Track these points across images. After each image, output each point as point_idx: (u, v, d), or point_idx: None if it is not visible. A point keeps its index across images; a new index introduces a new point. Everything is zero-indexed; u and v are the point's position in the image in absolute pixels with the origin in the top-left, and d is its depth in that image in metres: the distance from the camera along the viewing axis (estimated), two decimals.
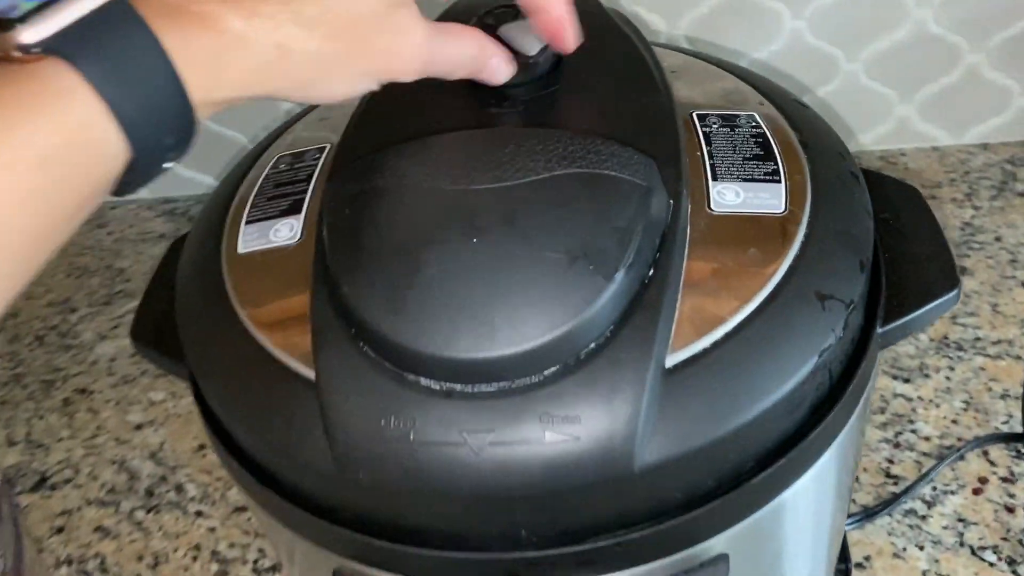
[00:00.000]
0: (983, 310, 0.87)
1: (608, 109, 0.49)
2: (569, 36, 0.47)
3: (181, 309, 0.50)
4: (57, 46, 0.34)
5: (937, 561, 0.71)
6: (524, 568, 0.41)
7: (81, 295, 1.03)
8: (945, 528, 0.73)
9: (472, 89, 0.49)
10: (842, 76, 0.98)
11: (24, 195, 0.32)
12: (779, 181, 0.47)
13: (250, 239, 0.49)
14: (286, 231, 0.49)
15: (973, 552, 0.71)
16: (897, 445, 0.78)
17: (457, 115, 0.49)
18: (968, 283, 0.89)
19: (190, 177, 1.10)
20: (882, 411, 0.80)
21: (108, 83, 0.34)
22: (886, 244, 0.51)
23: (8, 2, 0.39)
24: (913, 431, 0.79)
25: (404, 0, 0.41)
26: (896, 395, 0.81)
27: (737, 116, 0.51)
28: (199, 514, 0.81)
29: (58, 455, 0.88)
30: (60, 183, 0.33)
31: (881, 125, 1.01)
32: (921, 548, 0.72)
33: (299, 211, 0.49)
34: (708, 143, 0.49)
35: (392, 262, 0.42)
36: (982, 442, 0.78)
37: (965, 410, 0.80)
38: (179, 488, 0.84)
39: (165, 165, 0.37)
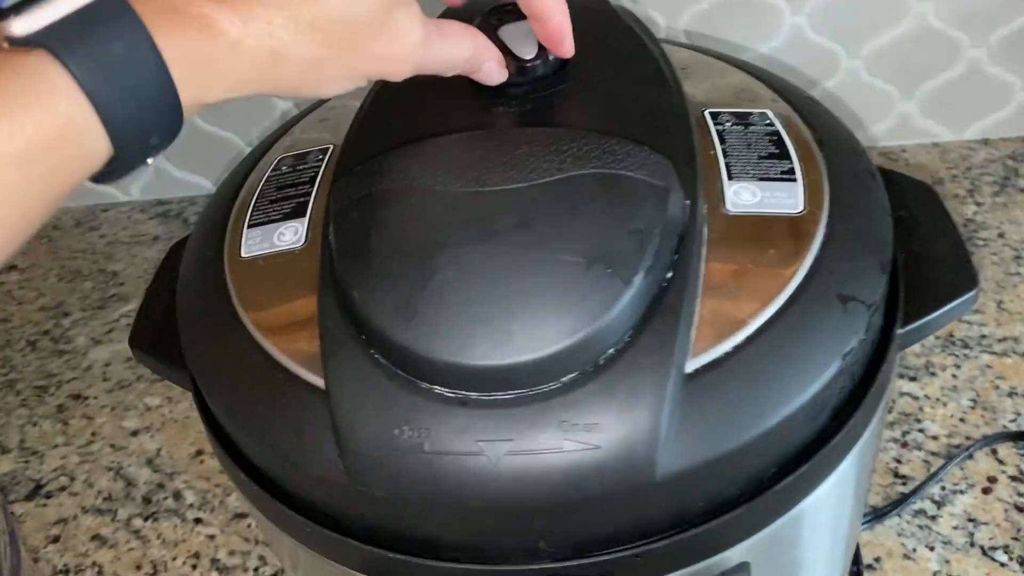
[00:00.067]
0: (988, 307, 0.86)
1: (619, 108, 0.48)
2: (567, 44, 0.48)
3: (183, 315, 0.48)
4: (47, 40, 0.33)
5: (948, 562, 0.70)
6: None
7: (74, 299, 1.01)
8: (955, 528, 0.72)
9: (477, 88, 0.48)
10: (843, 72, 0.97)
11: (4, 192, 0.31)
12: (795, 180, 0.46)
13: (253, 243, 0.48)
14: (290, 235, 0.47)
15: (984, 552, 0.70)
16: (905, 444, 0.77)
17: (463, 115, 0.48)
18: None
19: (183, 179, 1.08)
20: (889, 410, 0.80)
21: (96, 81, 0.33)
22: (901, 243, 0.50)
23: None
24: (921, 430, 0.78)
25: (404, 0, 0.41)
26: (903, 394, 0.81)
27: (750, 114, 0.50)
28: (198, 521, 0.80)
29: (53, 462, 0.86)
30: (37, 180, 0.32)
31: (882, 121, 1.00)
32: (931, 549, 0.71)
33: (303, 214, 0.48)
34: (722, 142, 0.48)
35: (404, 267, 0.40)
36: (990, 440, 0.77)
37: (972, 408, 0.79)
38: (177, 495, 0.82)
39: (148, 161, 0.36)
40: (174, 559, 0.77)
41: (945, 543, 0.71)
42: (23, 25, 0.33)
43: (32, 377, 0.94)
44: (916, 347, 0.84)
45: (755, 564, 0.43)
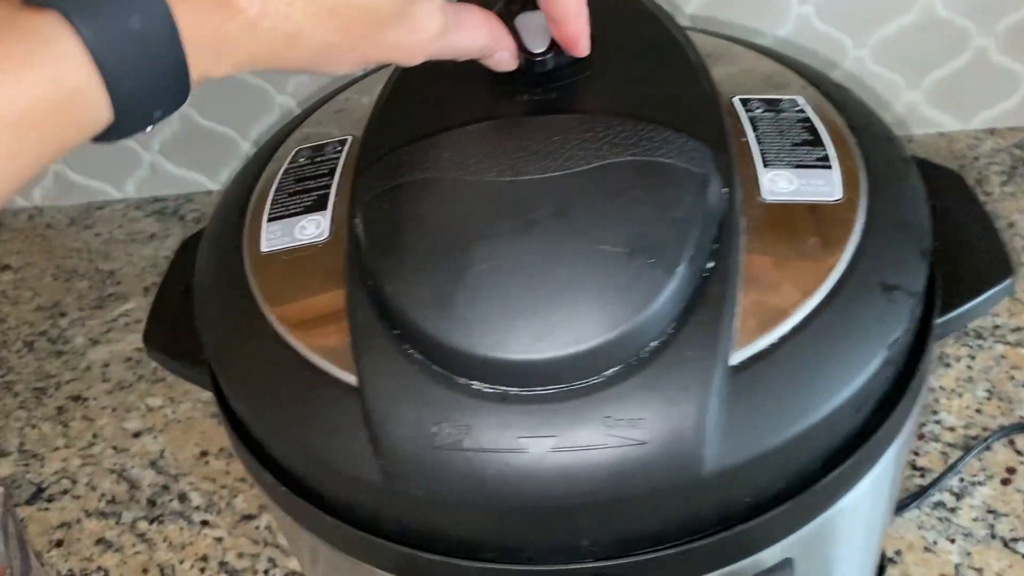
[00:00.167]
0: None
1: (647, 95, 0.47)
2: (581, 47, 0.47)
3: (201, 312, 0.47)
4: (62, 2, 0.32)
5: (969, 554, 0.69)
6: None
7: (70, 299, 0.99)
8: (975, 520, 0.71)
9: (500, 76, 0.47)
10: (849, 62, 0.96)
11: None
12: (830, 167, 0.45)
13: (274, 237, 0.46)
14: (312, 228, 0.46)
15: (1005, 544, 0.69)
16: (921, 436, 0.77)
17: (487, 103, 0.47)
18: None
19: (180, 175, 1.06)
20: None
21: (107, 51, 0.32)
22: (935, 232, 0.49)
23: None
24: (937, 421, 0.77)
25: None
26: None
27: (780, 100, 0.49)
28: (205, 524, 0.78)
29: (54, 465, 0.84)
30: (32, 144, 0.32)
31: (888, 111, 0.99)
32: (952, 541, 0.70)
33: (324, 207, 0.47)
34: (754, 128, 0.47)
35: (438, 259, 0.39)
36: (1008, 431, 0.76)
37: (988, 399, 0.78)
38: (182, 497, 0.81)
39: (146, 129, 0.36)
40: (181, 562, 0.76)
41: (966, 535, 0.70)
42: None
43: (30, 378, 0.92)
44: None
45: (797, 560, 0.42)
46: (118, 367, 0.92)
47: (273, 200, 0.48)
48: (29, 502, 0.81)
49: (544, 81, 0.48)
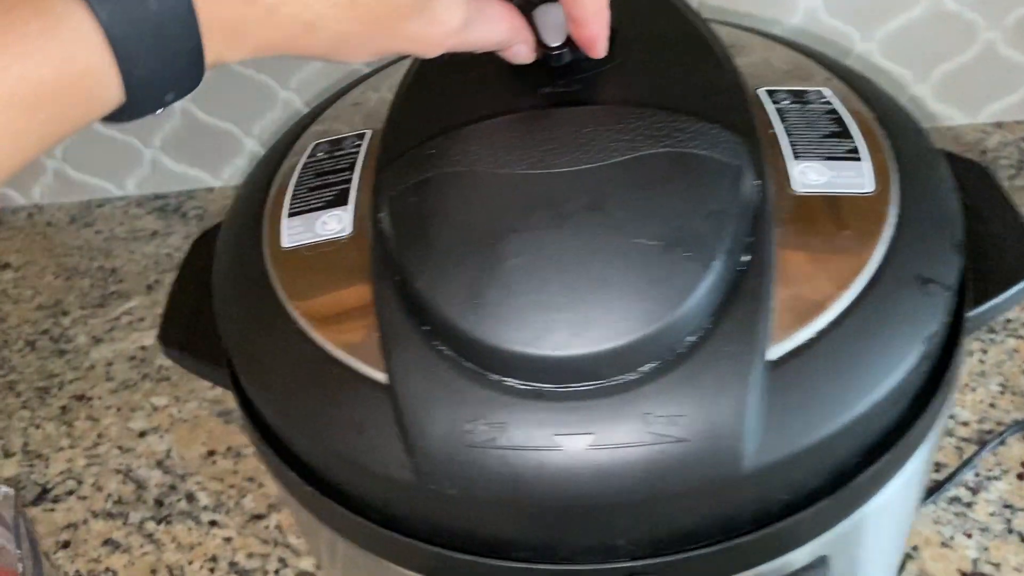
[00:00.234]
0: None
1: (672, 86, 0.46)
2: (598, 49, 0.46)
3: (222, 310, 0.46)
4: None
5: (986, 549, 0.69)
6: None
7: (72, 297, 0.98)
8: (992, 515, 0.71)
9: (522, 68, 0.47)
10: (856, 56, 0.96)
11: (3, 136, 0.31)
12: (860, 159, 0.44)
13: (295, 233, 0.46)
14: (334, 223, 0.45)
15: (1022, 539, 0.69)
16: None
17: (511, 96, 0.47)
18: None
19: (181, 172, 1.05)
20: None
21: (123, 33, 0.32)
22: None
23: None
24: (951, 416, 0.77)
25: None
26: None
27: (806, 92, 0.48)
28: (213, 524, 0.77)
29: (59, 466, 0.83)
30: (41, 124, 0.31)
31: None
32: (969, 536, 0.70)
33: (345, 202, 0.46)
34: (782, 120, 0.46)
35: (469, 253, 0.38)
36: (1022, 426, 0.76)
37: (1002, 393, 0.78)
38: (190, 497, 0.80)
39: (157, 112, 0.35)
40: (190, 563, 0.75)
41: (983, 530, 0.70)
42: None
43: (33, 378, 0.91)
44: None
45: (832, 557, 0.41)
46: (122, 366, 0.91)
47: (292, 195, 0.48)
48: (34, 503, 0.80)
49: (566, 73, 0.47)
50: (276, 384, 0.42)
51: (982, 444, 0.75)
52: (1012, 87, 0.98)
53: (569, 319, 0.36)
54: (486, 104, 0.46)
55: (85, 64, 0.32)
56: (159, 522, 0.78)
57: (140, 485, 0.81)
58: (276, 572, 0.73)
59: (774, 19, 0.93)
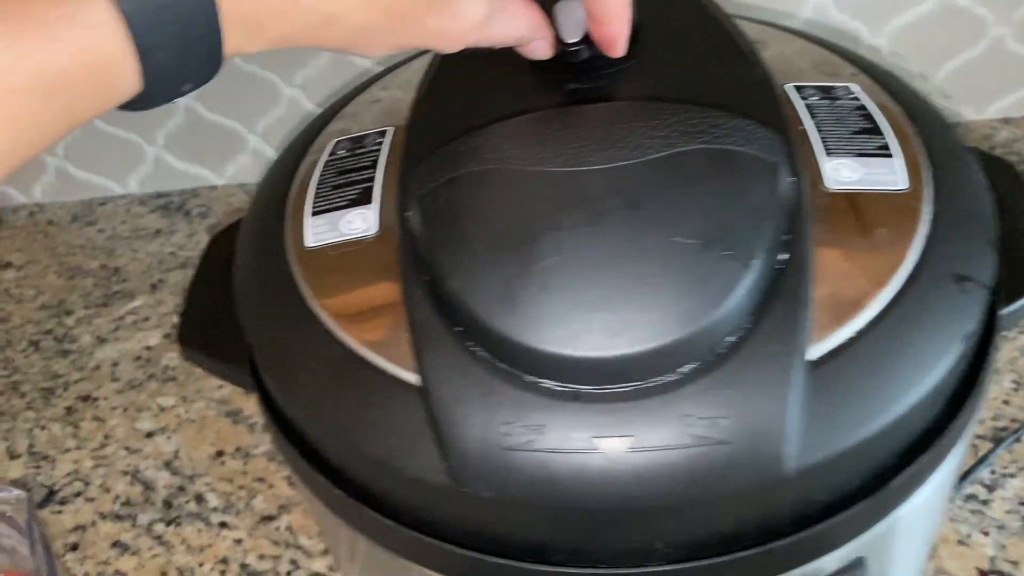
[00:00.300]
0: None
1: (700, 82, 0.46)
2: (617, 49, 0.45)
3: (246, 311, 0.45)
4: None
5: (1004, 547, 0.69)
6: None
7: (75, 297, 0.97)
8: (1008, 512, 0.70)
9: (544, 63, 0.46)
10: (864, 51, 0.95)
11: (19, 124, 0.30)
12: (892, 156, 0.44)
13: (319, 232, 0.45)
14: (359, 222, 0.44)
15: None
16: None
17: (534, 91, 0.46)
18: None
19: (184, 170, 1.04)
20: None
21: (144, 22, 0.31)
22: None
23: None
24: None
25: None
26: None
27: (834, 88, 0.48)
28: (223, 525, 0.77)
29: (65, 467, 0.82)
30: (58, 112, 0.31)
31: None
32: (986, 534, 0.69)
33: (369, 200, 0.45)
34: (812, 116, 0.45)
35: (503, 252, 0.38)
36: None
37: (1016, 390, 0.78)
38: (199, 498, 0.79)
39: (172, 100, 0.35)
40: (201, 565, 0.74)
41: (999, 527, 0.70)
42: None
43: (37, 378, 0.90)
44: None
45: (868, 558, 0.41)
46: (127, 366, 0.90)
47: (315, 194, 0.47)
48: (41, 505, 0.79)
49: (590, 69, 0.46)
50: (304, 386, 0.41)
51: (997, 442, 0.74)
52: (1020, 83, 0.98)
53: (607, 319, 0.36)
54: (511, 101, 0.45)
55: (104, 52, 0.31)
56: (168, 524, 0.77)
57: (148, 486, 0.80)
58: (288, 574, 0.73)
59: (785, 12, 0.93)
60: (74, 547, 0.76)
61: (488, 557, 0.38)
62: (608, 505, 0.36)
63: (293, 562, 0.73)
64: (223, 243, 0.54)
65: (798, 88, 0.47)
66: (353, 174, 0.47)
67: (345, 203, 0.46)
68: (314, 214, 0.46)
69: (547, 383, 0.36)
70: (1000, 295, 0.44)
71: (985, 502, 0.71)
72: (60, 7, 0.31)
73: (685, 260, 0.36)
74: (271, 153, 1.01)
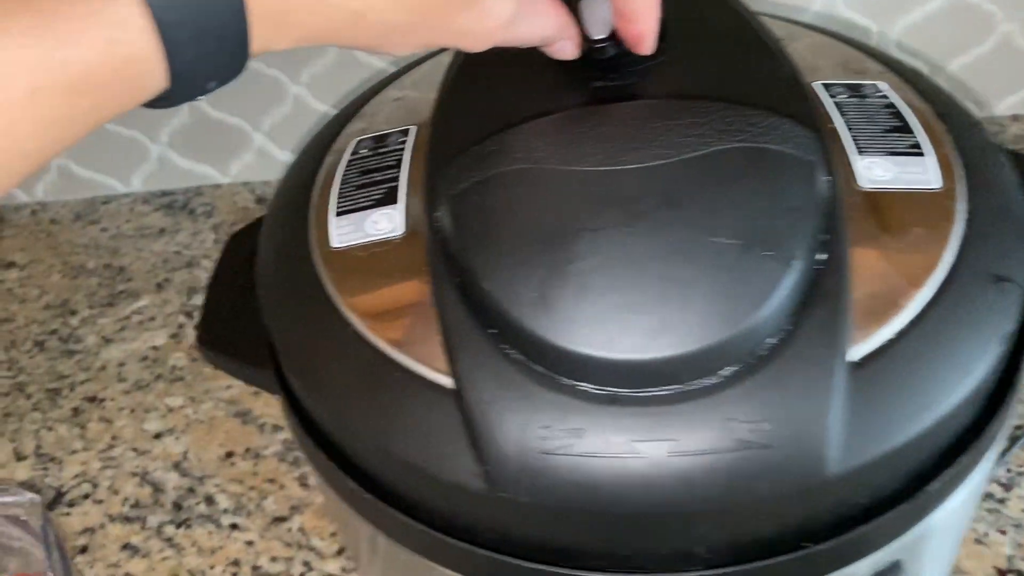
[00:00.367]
0: None
1: (729, 80, 0.45)
2: (645, 47, 0.45)
3: (271, 312, 0.45)
4: None
5: (1021, 545, 0.68)
6: None
7: (80, 296, 0.96)
8: None
9: (569, 61, 0.45)
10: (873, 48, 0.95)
11: (44, 122, 0.30)
12: (924, 155, 0.44)
13: (344, 233, 0.44)
14: (385, 223, 0.44)
15: None
16: None
17: (561, 89, 0.45)
18: None
19: (188, 168, 1.03)
20: None
21: (172, 20, 0.31)
22: None
23: None
24: None
25: None
26: None
27: (862, 86, 0.47)
28: (234, 527, 0.76)
29: (73, 469, 0.82)
30: (83, 111, 0.31)
31: None
32: (1003, 533, 0.69)
33: (395, 200, 0.45)
34: (842, 114, 0.45)
35: (539, 254, 0.37)
36: None
37: None
38: (209, 500, 0.78)
39: (197, 99, 0.35)
40: (212, 567, 0.74)
41: (1016, 526, 0.69)
42: None
43: (43, 379, 0.89)
44: None
45: (905, 561, 0.41)
46: (134, 366, 0.89)
47: (339, 193, 0.46)
48: (50, 507, 0.79)
49: (616, 67, 0.46)
50: (333, 389, 0.41)
51: (1013, 440, 0.74)
52: None
53: (646, 321, 0.35)
54: (537, 99, 0.45)
55: (131, 49, 0.31)
56: (178, 526, 0.77)
57: (157, 488, 0.79)
58: None
59: (794, 7, 0.92)
60: (83, 550, 0.75)
61: (523, 562, 0.38)
62: (648, 510, 0.35)
63: (306, 564, 0.73)
64: (240, 244, 0.53)
65: (826, 86, 0.47)
66: (376, 174, 0.46)
67: (370, 203, 0.45)
68: (338, 214, 0.45)
69: (585, 386, 0.36)
70: None
71: (1002, 501, 0.71)
72: (87, 3, 0.30)
73: (725, 261, 0.36)
74: (276, 152, 1.01)
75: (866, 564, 0.39)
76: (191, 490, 0.79)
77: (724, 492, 0.35)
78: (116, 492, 0.79)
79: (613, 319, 0.36)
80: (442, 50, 0.56)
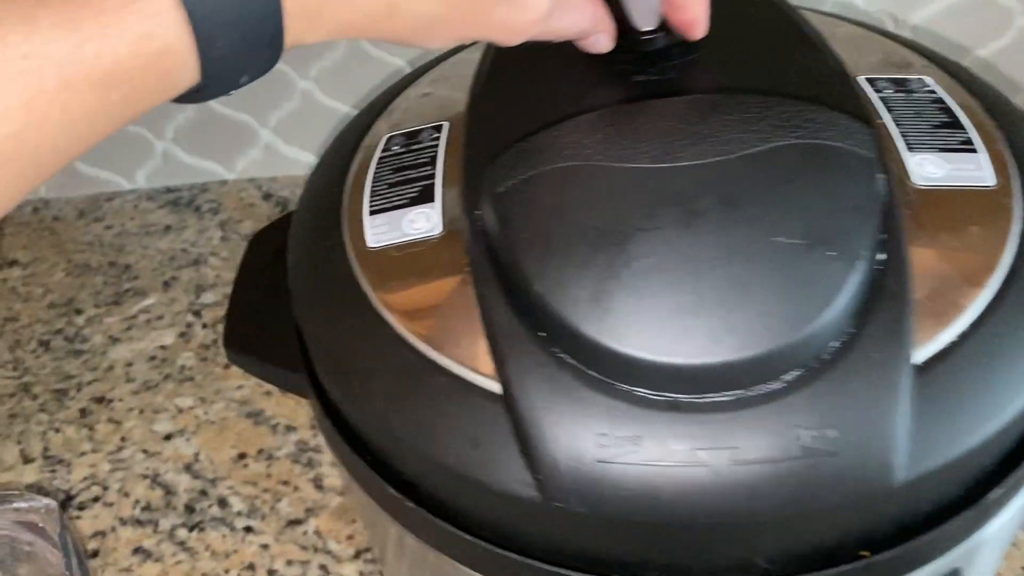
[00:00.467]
0: None
1: (775, 74, 0.44)
2: (697, 32, 0.44)
3: (305, 314, 0.43)
4: None
5: None
6: None
7: (85, 295, 0.95)
8: None
9: (607, 55, 0.44)
10: None
11: (74, 117, 0.29)
12: (976, 151, 0.42)
13: (379, 232, 0.43)
14: (422, 222, 0.43)
15: None
16: None
17: (604, 84, 0.44)
18: None
19: (194, 164, 1.02)
20: None
21: (201, 6, 0.30)
22: None
23: None
24: None
25: None
26: None
27: (909, 80, 0.46)
28: (248, 530, 0.75)
29: (82, 471, 0.80)
30: (114, 105, 0.30)
31: None
32: None
33: (432, 199, 0.43)
34: (889, 110, 0.44)
35: (593, 254, 0.36)
36: None
37: None
38: (222, 502, 0.77)
39: (229, 93, 0.34)
40: (227, 571, 0.72)
41: None
42: None
43: (49, 380, 0.87)
44: None
45: (963, 569, 0.39)
46: (142, 366, 0.88)
47: (372, 191, 0.45)
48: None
49: (655, 60, 0.45)
50: (374, 393, 0.39)
51: None
52: None
53: (707, 324, 0.34)
54: (579, 94, 0.43)
55: (163, 43, 0.30)
56: (191, 529, 0.75)
57: (169, 490, 0.78)
58: None
59: (809, 5, 0.91)
60: (94, 554, 0.74)
61: (575, 574, 0.37)
62: (709, 521, 0.34)
63: (323, 567, 0.71)
64: (264, 243, 0.52)
65: (870, 80, 0.46)
66: (411, 171, 0.45)
67: (405, 201, 0.44)
68: (372, 213, 0.44)
69: (642, 392, 0.35)
70: None
71: None
72: None
73: (788, 261, 0.35)
74: (283, 147, 0.99)
75: (925, 573, 0.38)
76: (203, 492, 0.78)
77: (788, 502, 0.34)
78: (127, 495, 0.78)
79: (672, 322, 0.34)
80: (465, 46, 0.54)
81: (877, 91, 0.45)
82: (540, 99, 0.44)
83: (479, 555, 0.38)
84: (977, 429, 0.35)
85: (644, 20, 0.44)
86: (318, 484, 0.76)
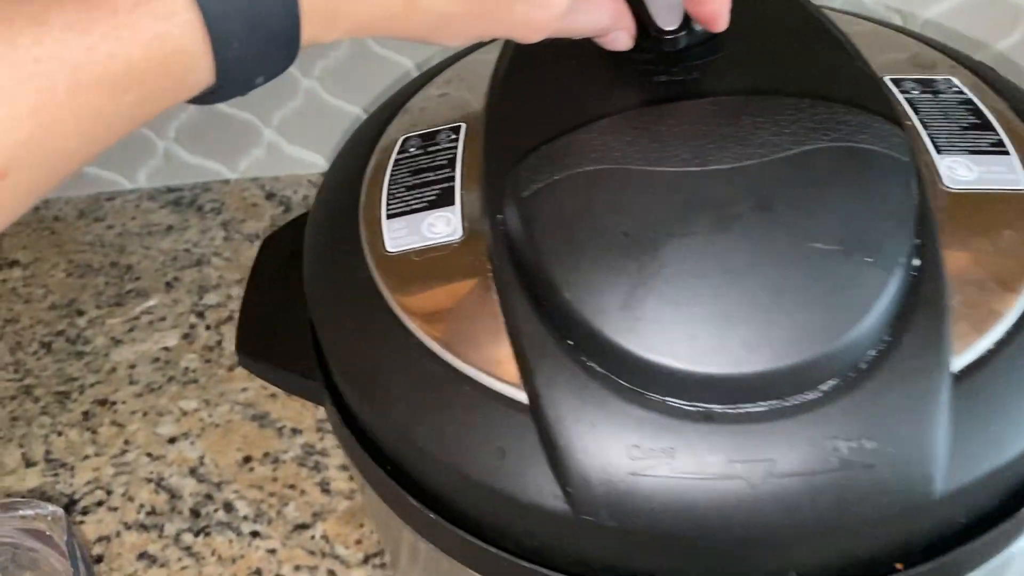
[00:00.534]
0: None
1: (802, 75, 0.43)
2: (720, 24, 0.43)
3: (323, 321, 0.42)
4: None
5: None
6: None
7: (87, 296, 0.94)
8: None
9: (624, 54, 0.43)
10: None
11: (87, 119, 0.29)
12: (1008, 153, 0.42)
13: (398, 236, 0.42)
14: (442, 226, 0.42)
15: None
16: None
17: (626, 85, 0.43)
18: None
19: (196, 164, 1.01)
20: None
21: (216, 6, 0.30)
22: None
23: None
24: None
25: None
26: None
27: (935, 81, 0.45)
28: (255, 535, 0.74)
29: (85, 475, 0.79)
30: (127, 106, 0.30)
31: None
32: None
33: (451, 202, 0.43)
34: (916, 112, 0.43)
35: (623, 260, 0.35)
36: None
37: None
38: (228, 507, 0.76)
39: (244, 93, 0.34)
40: None
41: None
42: None
43: (51, 382, 0.86)
44: None
45: None
46: (145, 368, 0.86)
47: (389, 194, 0.44)
48: None
49: (677, 60, 0.44)
50: (396, 402, 0.38)
51: None
52: None
53: (742, 333, 0.33)
54: (602, 95, 0.43)
55: (178, 43, 0.30)
56: (197, 534, 0.74)
57: (174, 494, 0.77)
58: None
59: (818, 2, 0.90)
60: (99, 559, 0.73)
61: None
62: (744, 535, 0.33)
63: (331, 572, 0.71)
64: (275, 246, 0.51)
65: (895, 81, 0.45)
66: (429, 173, 0.44)
67: (424, 205, 0.43)
68: (389, 217, 0.43)
69: (675, 402, 0.34)
70: None
71: None
72: None
73: (824, 267, 0.34)
74: (286, 146, 0.98)
75: None
76: (209, 496, 0.77)
77: (825, 515, 0.33)
78: (131, 499, 0.77)
79: (706, 330, 0.33)
80: (481, 44, 0.54)
81: (903, 92, 0.44)
82: (560, 100, 0.43)
83: (504, 568, 0.37)
84: (1016, 438, 0.34)
85: (666, 19, 0.43)
86: (325, 488, 0.75)
